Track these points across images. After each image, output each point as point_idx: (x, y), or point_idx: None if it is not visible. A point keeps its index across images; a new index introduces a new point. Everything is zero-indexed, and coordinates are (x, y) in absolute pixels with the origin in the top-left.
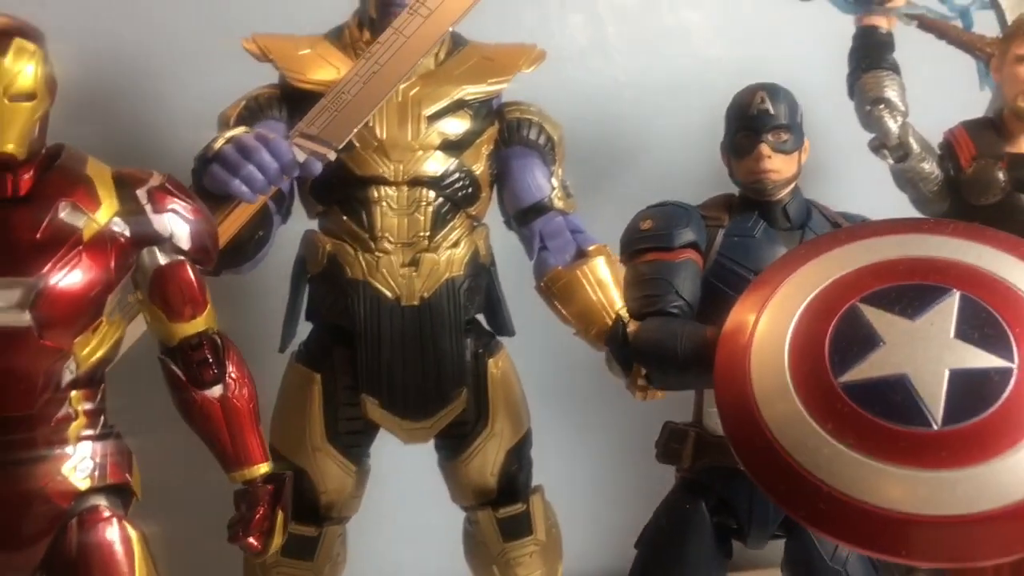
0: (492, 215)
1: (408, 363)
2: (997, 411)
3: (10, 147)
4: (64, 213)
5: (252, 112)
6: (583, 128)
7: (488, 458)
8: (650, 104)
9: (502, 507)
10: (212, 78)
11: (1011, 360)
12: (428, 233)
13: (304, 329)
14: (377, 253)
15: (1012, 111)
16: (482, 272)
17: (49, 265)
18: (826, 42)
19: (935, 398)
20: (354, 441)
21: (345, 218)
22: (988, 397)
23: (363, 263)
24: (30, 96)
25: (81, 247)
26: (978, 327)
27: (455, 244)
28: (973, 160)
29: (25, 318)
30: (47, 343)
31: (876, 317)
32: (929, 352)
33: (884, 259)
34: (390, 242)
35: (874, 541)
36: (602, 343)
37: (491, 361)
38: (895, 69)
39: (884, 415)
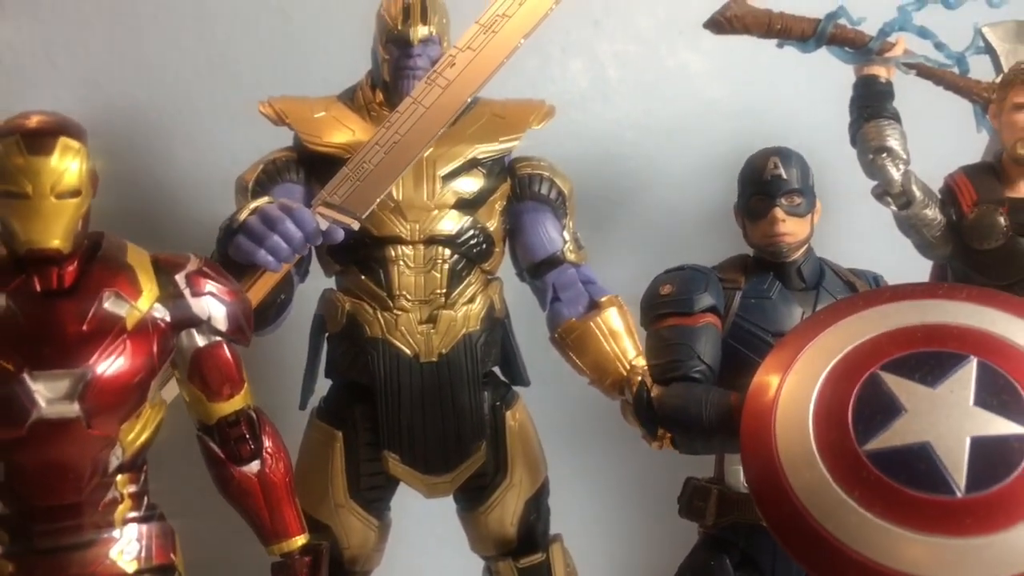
0: (505, 268)
1: (428, 418)
2: (1019, 477)
3: (56, 243)
4: (108, 303)
5: (270, 176)
6: (585, 170)
7: (507, 508)
8: (651, 145)
9: (522, 557)
10: (224, 137)
11: None
12: (445, 290)
13: (322, 386)
14: (396, 311)
15: (1011, 157)
16: (497, 325)
17: (96, 355)
18: (824, 83)
19: (958, 466)
20: (376, 496)
21: (363, 277)
22: (1009, 464)
23: (382, 321)
24: (75, 193)
25: (126, 335)
26: (996, 394)
27: (471, 300)
28: (974, 205)
29: (74, 409)
30: (95, 432)
31: (897, 385)
32: (951, 420)
33: (902, 326)
34: (408, 300)
35: None
36: (617, 392)
37: (509, 413)
38: (896, 118)
39: (909, 483)
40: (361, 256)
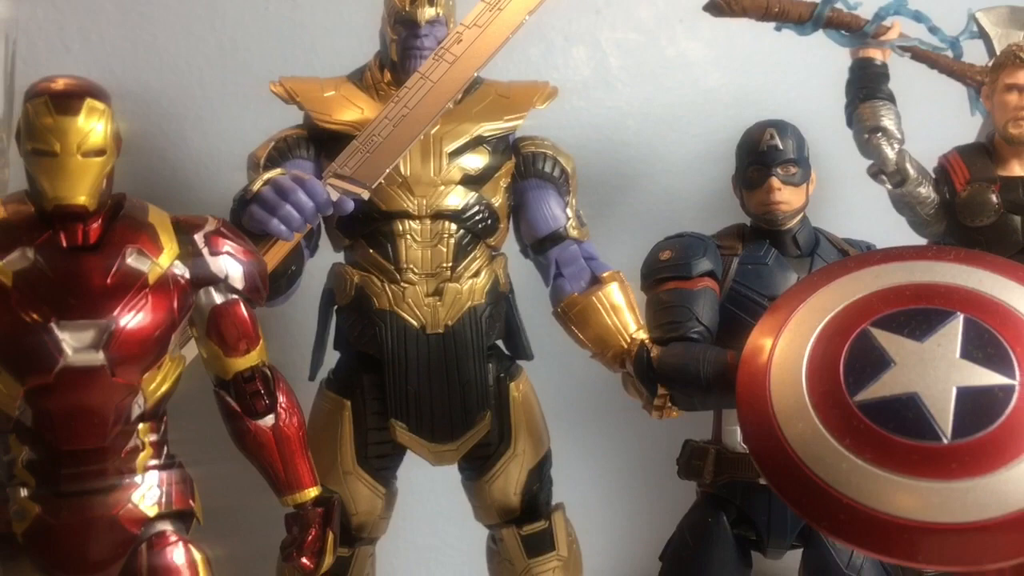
0: (509, 244)
1: (434, 388)
2: (1002, 425)
3: (82, 199)
4: (131, 259)
5: (281, 152)
6: (588, 156)
7: (511, 478)
8: (652, 132)
9: (526, 524)
10: (233, 121)
11: (1013, 377)
12: (451, 264)
13: (331, 358)
14: (403, 284)
15: (1003, 137)
16: (501, 300)
17: (119, 307)
18: (821, 70)
19: (944, 414)
20: (383, 464)
21: (372, 251)
22: (993, 412)
23: (390, 294)
24: (100, 152)
25: (147, 290)
26: (981, 347)
27: (476, 274)
28: (967, 184)
29: (99, 357)
30: (118, 380)
31: (886, 340)
32: (937, 372)
33: (892, 285)
34: (415, 273)
35: (890, 548)
36: (618, 365)
37: (513, 384)
38: (891, 99)
39: (898, 431)
40: (369, 230)
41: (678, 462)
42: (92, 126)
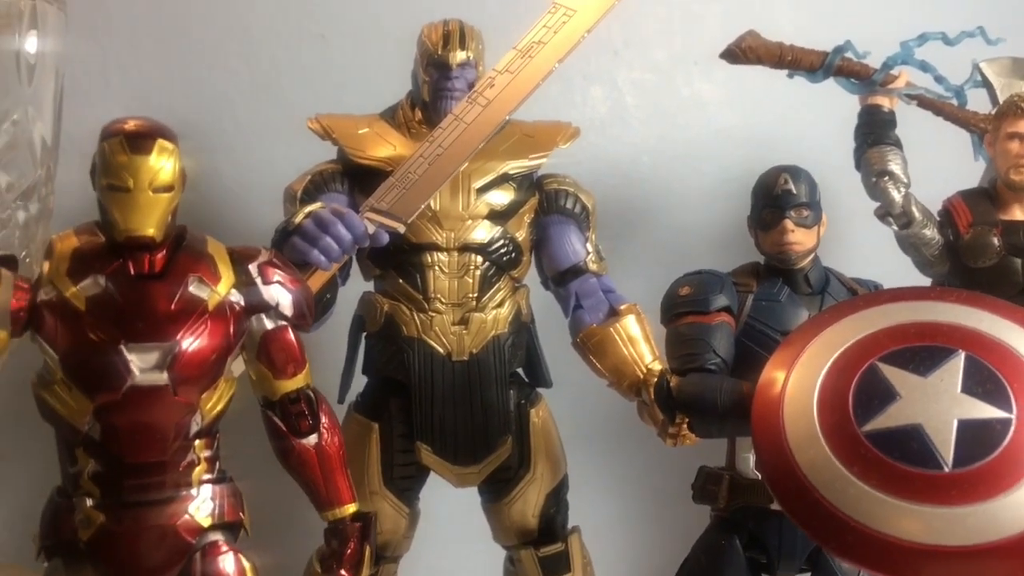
0: (531, 276)
1: (459, 413)
2: (1000, 455)
3: (151, 231)
4: (192, 287)
5: (316, 185)
6: (604, 190)
7: (530, 501)
8: (667, 169)
9: (543, 546)
10: (265, 153)
11: (1010, 411)
12: (476, 294)
13: (359, 382)
14: (431, 313)
15: (1005, 183)
16: (523, 329)
17: (182, 332)
18: (831, 114)
19: (946, 444)
20: (407, 485)
21: (401, 281)
22: (992, 443)
23: (418, 322)
24: (169, 188)
25: (207, 316)
26: (981, 383)
27: (500, 304)
28: (970, 227)
29: (163, 377)
30: (180, 399)
31: (893, 374)
32: (940, 405)
33: (898, 323)
34: (442, 303)
35: (895, 569)
36: (634, 394)
37: (533, 411)
38: (898, 144)
39: (902, 459)
40: (399, 261)
41: (693, 487)
42: (162, 164)
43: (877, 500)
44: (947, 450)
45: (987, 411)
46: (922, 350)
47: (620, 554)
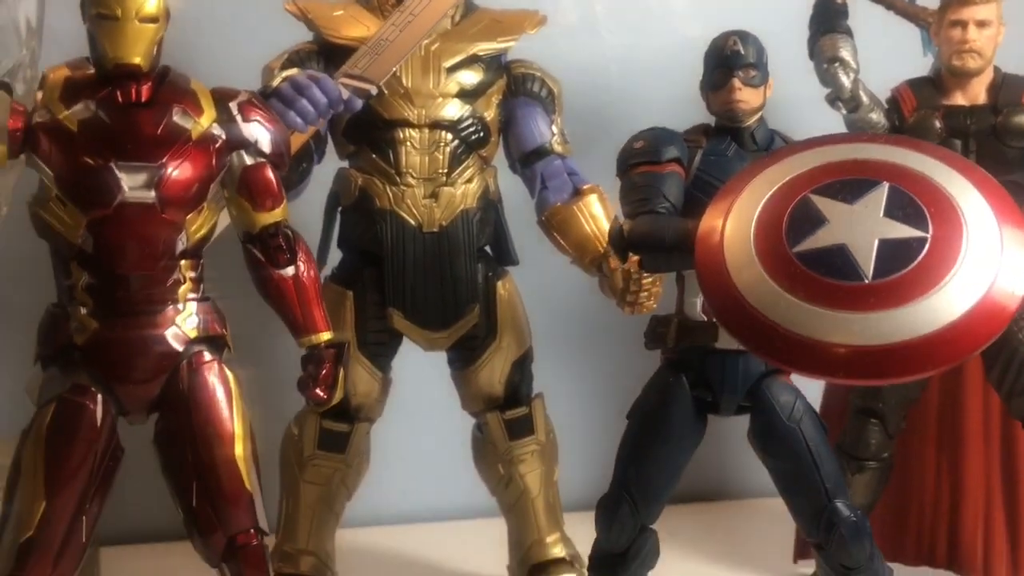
0: (499, 160)
1: (429, 280)
2: (914, 268)
3: (137, 60)
4: (177, 116)
5: (293, 63)
6: (571, 97)
7: (496, 368)
8: (634, 78)
9: (508, 410)
10: (244, 46)
11: (927, 231)
12: (446, 170)
13: (335, 256)
14: (402, 186)
15: (947, 69)
16: (491, 207)
17: (167, 155)
18: (794, 18)
19: (867, 260)
20: (380, 351)
21: (374, 156)
22: (907, 258)
23: (390, 195)
24: (154, 19)
25: (190, 144)
26: (902, 208)
27: (469, 180)
28: (914, 111)
29: (151, 195)
30: (166, 217)
31: (822, 203)
32: (864, 227)
33: (830, 161)
34: (413, 177)
35: (819, 367)
36: (595, 268)
37: (499, 284)
38: (849, 33)
39: (827, 274)
40: (373, 137)
41: (645, 334)
42: None
43: (804, 309)
44: (868, 265)
45: (905, 231)
46: (851, 182)
47: (583, 422)
